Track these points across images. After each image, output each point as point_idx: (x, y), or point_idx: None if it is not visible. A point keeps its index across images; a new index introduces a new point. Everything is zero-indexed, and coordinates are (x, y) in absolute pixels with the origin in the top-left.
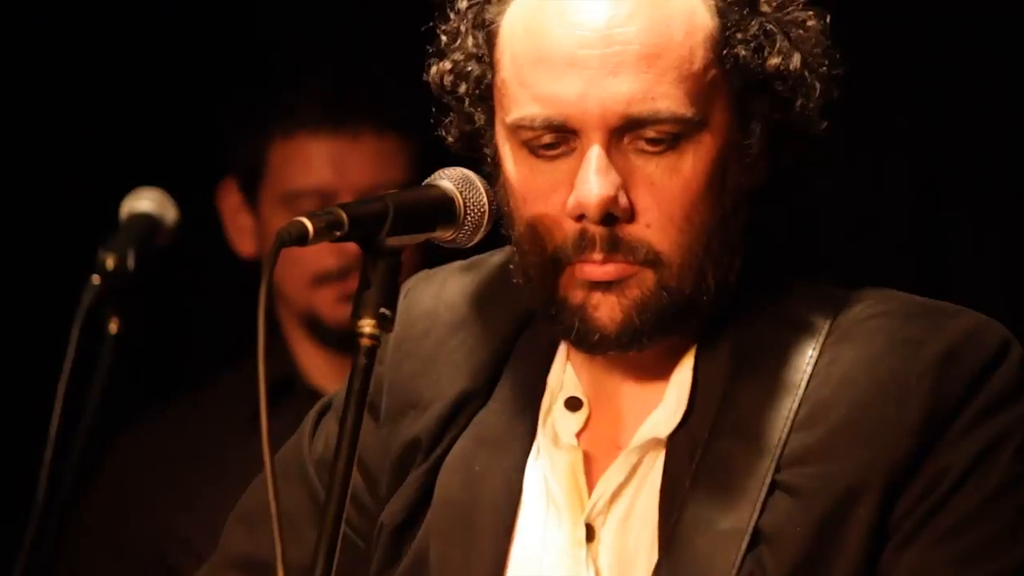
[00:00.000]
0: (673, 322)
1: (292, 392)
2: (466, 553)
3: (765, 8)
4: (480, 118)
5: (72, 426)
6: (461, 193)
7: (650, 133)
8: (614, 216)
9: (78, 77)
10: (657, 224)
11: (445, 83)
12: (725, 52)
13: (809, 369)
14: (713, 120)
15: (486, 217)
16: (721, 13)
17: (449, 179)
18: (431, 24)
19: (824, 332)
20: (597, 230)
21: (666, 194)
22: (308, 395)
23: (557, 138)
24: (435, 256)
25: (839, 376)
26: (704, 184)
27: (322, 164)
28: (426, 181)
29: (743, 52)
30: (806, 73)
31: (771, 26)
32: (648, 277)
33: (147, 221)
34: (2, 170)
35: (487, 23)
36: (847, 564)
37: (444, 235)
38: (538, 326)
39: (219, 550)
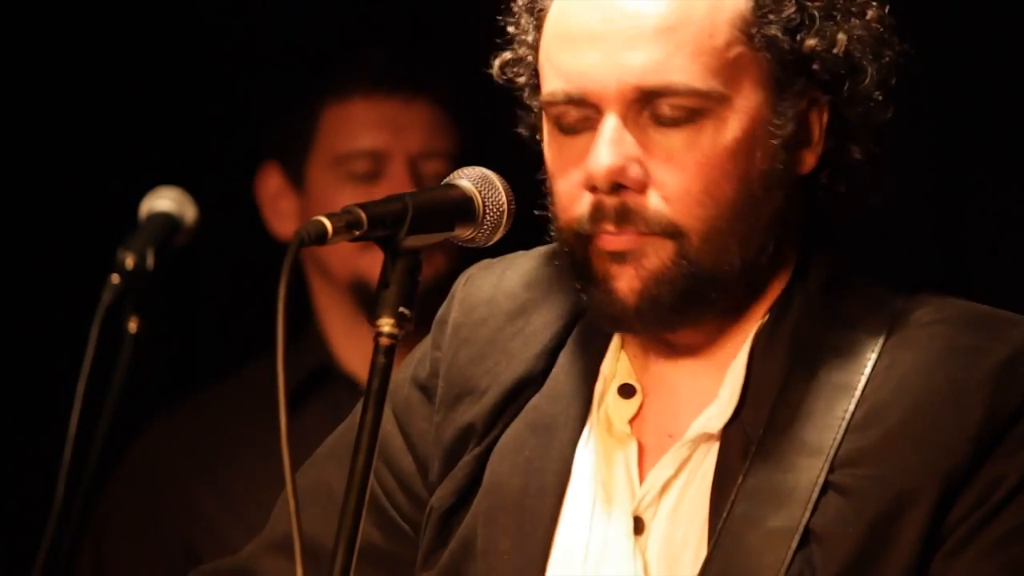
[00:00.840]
0: (696, 299)
1: (329, 379)
2: (513, 538)
3: None
4: (536, 106)
5: (92, 424)
6: (480, 192)
7: (666, 106)
8: (623, 186)
9: (100, 76)
10: (675, 197)
11: (507, 74)
12: (757, 32)
13: (867, 371)
14: (739, 98)
15: (505, 216)
16: None
17: (468, 178)
18: None
19: (883, 335)
20: (609, 200)
21: (685, 167)
22: (345, 382)
23: (581, 114)
24: (463, 256)
25: (897, 380)
26: (726, 160)
27: (376, 127)
28: (445, 180)
29: (777, 33)
30: (854, 56)
31: (812, 8)
32: (667, 246)
33: (166, 220)
34: (23, 170)
35: (537, 10)
36: (897, 568)
37: (463, 234)
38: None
39: (264, 531)
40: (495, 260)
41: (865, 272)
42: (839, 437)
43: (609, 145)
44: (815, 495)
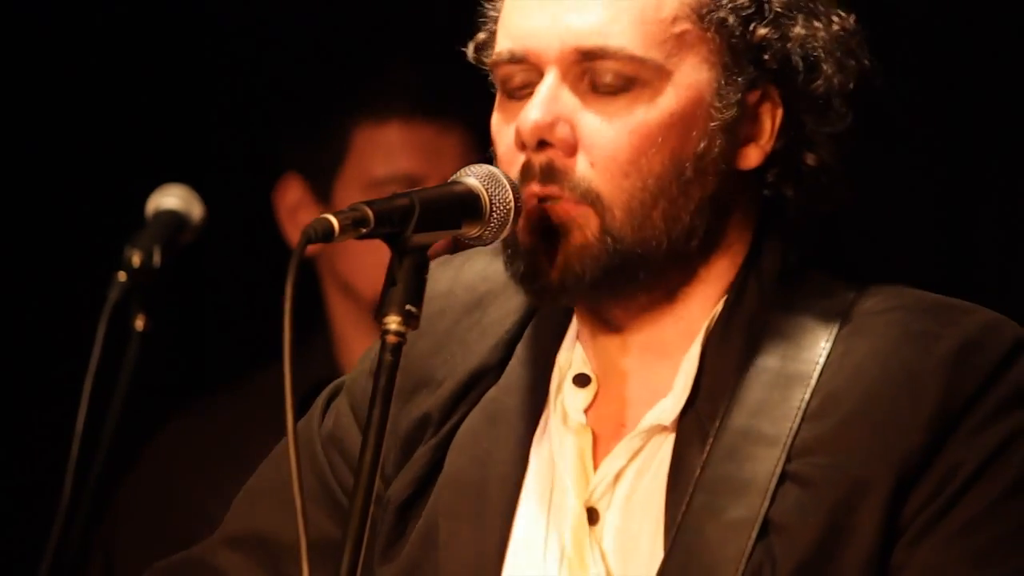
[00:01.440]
0: (619, 276)
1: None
2: (473, 529)
3: None
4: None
5: (99, 422)
6: (487, 190)
7: (604, 70)
8: (549, 144)
9: (106, 74)
10: (602, 163)
11: (480, 55)
12: (707, 12)
13: (822, 360)
14: (678, 74)
15: (512, 214)
16: None
17: (475, 176)
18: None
19: (838, 324)
20: (536, 158)
21: (616, 134)
22: None
23: (525, 76)
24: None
25: (852, 368)
26: (657, 133)
27: (411, 151)
28: (452, 177)
29: (728, 16)
30: (810, 55)
31: (773, 3)
32: (591, 220)
33: (173, 218)
34: (29, 168)
35: None
36: (857, 556)
37: (470, 232)
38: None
39: (222, 525)
40: (454, 255)
41: (818, 263)
42: (795, 426)
43: (541, 102)
44: (773, 485)
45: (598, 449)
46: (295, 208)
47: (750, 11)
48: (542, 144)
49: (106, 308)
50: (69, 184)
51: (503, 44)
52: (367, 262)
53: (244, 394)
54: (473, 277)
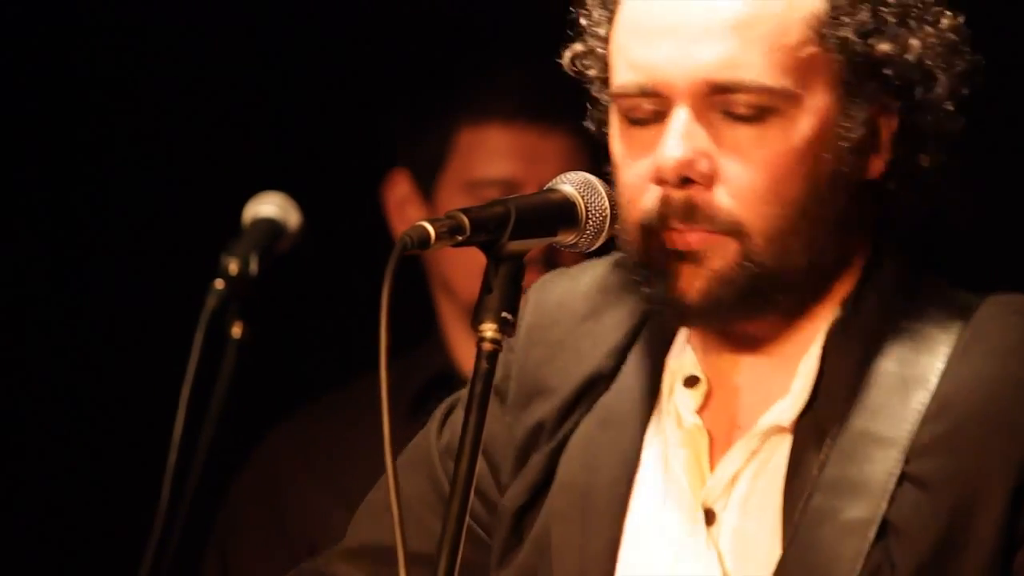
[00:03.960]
0: (758, 298)
1: (450, 386)
2: (582, 533)
3: None
4: (606, 99)
5: (196, 430)
6: (583, 197)
7: (737, 102)
8: (691, 180)
9: (206, 80)
10: (742, 194)
11: (577, 66)
12: (829, 33)
13: (941, 366)
14: (808, 98)
15: (608, 221)
16: None
17: (571, 183)
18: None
19: (957, 331)
20: (676, 195)
21: (753, 164)
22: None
23: (651, 106)
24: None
25: (970, 371)
26: (793, 160)
27: (512, 155)
28: (547, 185)
29: (850, 35)
30: (926, 64)
31: (886, 13)
32: (730, 248)
33: (270, 226)
34: (129, 174)
35: (610, 2)
36: (977, 561)
37: (566, 239)
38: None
39: (338, 544)
40: (571, 267)
41: (937, 271)
42: (914, 428)
43: (679, 137)
44: (892, 487)
45: (713, 450)
46: (403, 203)
47: (870, 26)
48: (684, 181)
49: (203, 316)
50: (168, 192)
51: (627, 76)
52: (462, 262)
53: (353, 394)
54: (587, 287)
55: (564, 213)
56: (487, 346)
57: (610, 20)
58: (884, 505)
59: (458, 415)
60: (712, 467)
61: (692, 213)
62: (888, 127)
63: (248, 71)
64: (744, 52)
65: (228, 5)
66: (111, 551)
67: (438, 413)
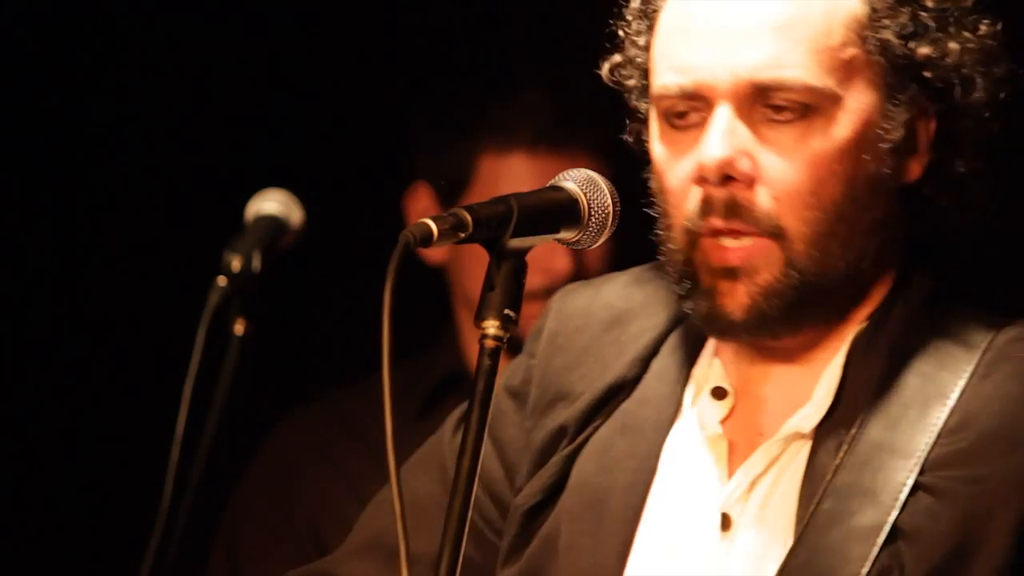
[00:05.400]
0: (803, 308)
1: (462, 385)
2: (593, 535)
3: (924, 1)
4: (645, 108)
5: (199, 427)
6: (585, 194)
7: (779, 101)
8: (733, 179)
9: (211, 76)
10: (783, 194)
11: (616, 76)
12: (870, 36)
13: (962, 383)
14: (849, 99)
15: (610, 219)
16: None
17: (573, 180)
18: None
19: (981, 351)
20: (718, 193)
21: (794, 163)
22: None
23: (692, 107)
24: None
25: (991, 388)
26: (834, 161)
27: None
28: (550, 183)
29: (890, 38)
30: (964, 68)
31: (926, 17)
32: (775, 255)
33: (272, 223)
34: (132, 171)
35: (651, 11)
36: (989, 565)
37: (568, 237)
38: (688, 323)
39: (350, 536)
40: (593, 279)
41: (968, 289)
42: (931, 441)
43: (721, 136)
44: (904, 494)
45: (733, 458)
46: (424, 216)
47: (910, 29)
48: (725, 179)
49: (206, 313)
50: (170, 189)
51: (668, 77)
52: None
53: (362, 389)
54: (612, 296)
55: (566, 210)
56: (489, 343)
57: (651, 29)
58: (895, 512)
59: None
60: (730, 474)
61: (734, 211)
62: (926, 130)
63: (255, 67)
64: (787, 52)
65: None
66: (114, 547)
67: (452, 416)
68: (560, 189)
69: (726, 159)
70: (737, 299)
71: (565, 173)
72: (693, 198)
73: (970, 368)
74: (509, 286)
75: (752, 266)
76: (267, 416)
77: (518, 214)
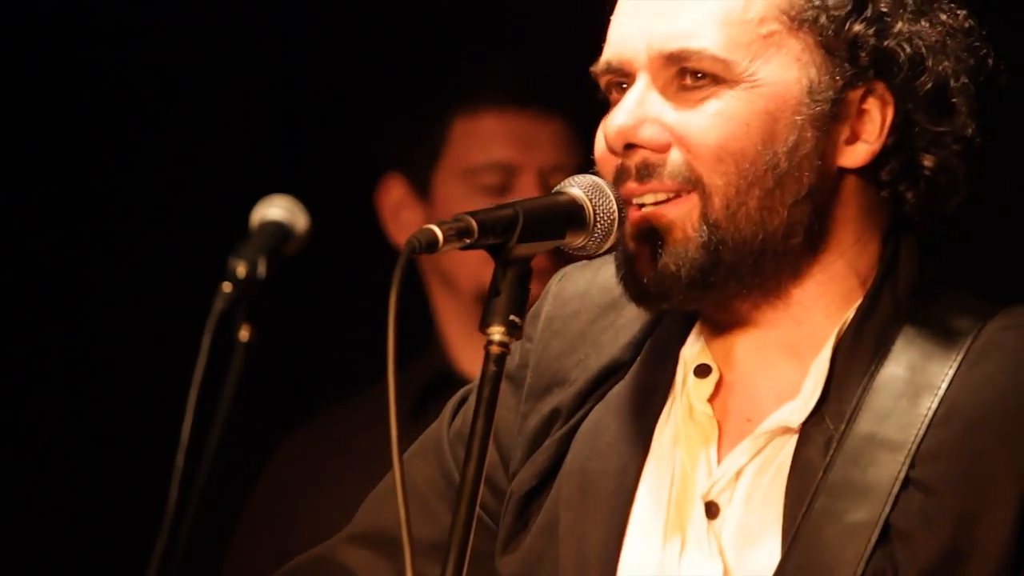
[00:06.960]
0: (715, 271)
1: (449, 386)
2: (590, 520)
3: None
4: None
5: (204, 433)
6: (591, 200)
7: (691, 71)
8: (638, 145)
9: (215, 83)
10: (694, 149)
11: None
12: (798, 13)
13: (951, 372)
14: (764, 73)
15: (616, 224)
16: None
17: (579, 186)
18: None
19: (970, 340)
20: (628, 160)
21: (703, 121)
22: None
23: (623, 81)
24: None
25: (980, 377)
26: (744, 119)
27: (506, 140)
28: (556, 188)
29: (820, 17)
30: (914, 50)
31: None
32: (693, 208)
33: (278, 229)
34: (136, 178)
35: None
36: (984, 566)
37: (574, 242)
38: None
39: (350, 524)
40: (592, 260)
41: (956, 277)
42: (920, 433)
43: (625, 106)
44: (895, 490)
45: (722, 442)
46: (398, 207)
47: (847, 9)
48: (630, 147)
49: (211, 319)
50: (175, 195)
51: (604, 55)
52: (463, 255)
53: (360, 402)
54: (609, 280)
55: (572, 216)
56: (495, 349)
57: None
58: (887, 508)
59: (471, 403)
60: (719, 460)
61: (646, 170)
62: (882, 116)
63: (258, 74)
64: (699, 25)
65: (239, 9)
66: (119, 554)
67: (450, 405)
68: (565, 194)
69: (625, 127)
70: (651, 262)
71: (570, 179)
72: (611, 169)
73: (960, 356)
74: (515, 292)
75: (668, 223)
76: (273, 422)
77: (524, 220)
